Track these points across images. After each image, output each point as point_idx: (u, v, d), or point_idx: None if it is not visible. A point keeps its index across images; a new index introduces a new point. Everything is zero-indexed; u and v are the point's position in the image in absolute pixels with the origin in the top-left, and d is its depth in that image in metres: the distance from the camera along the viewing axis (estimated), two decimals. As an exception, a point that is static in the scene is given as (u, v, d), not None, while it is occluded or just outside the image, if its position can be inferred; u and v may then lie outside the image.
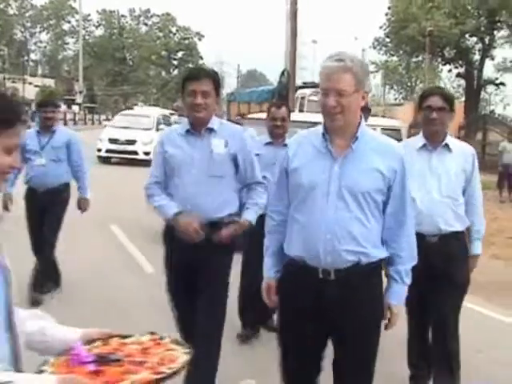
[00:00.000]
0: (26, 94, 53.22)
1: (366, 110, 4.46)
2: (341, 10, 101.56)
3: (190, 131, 3.45)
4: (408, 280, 2.70)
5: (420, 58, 34.03)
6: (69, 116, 40.27)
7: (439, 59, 33.84)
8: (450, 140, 3.54)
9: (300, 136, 2.80)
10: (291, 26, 11.89)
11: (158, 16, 64.33)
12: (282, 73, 17.68)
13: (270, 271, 2.79)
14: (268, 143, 4.60)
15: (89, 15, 60.91)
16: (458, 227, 3.51)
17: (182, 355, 1.51)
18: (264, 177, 3.79)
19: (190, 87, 3.34)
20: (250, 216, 3.50)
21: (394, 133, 8.71)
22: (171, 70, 64.27)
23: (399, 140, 8.77)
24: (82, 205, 5.47)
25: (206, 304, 3.38)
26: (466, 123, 25.17)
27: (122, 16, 64.07)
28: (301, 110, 13.46)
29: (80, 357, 1.48)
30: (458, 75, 33.21)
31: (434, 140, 3.50)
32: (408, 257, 2.68)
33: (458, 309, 3.60)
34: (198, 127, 3.43)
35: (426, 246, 3.31)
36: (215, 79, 3.43)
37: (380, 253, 2.63)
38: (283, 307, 2.80)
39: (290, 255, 2.64)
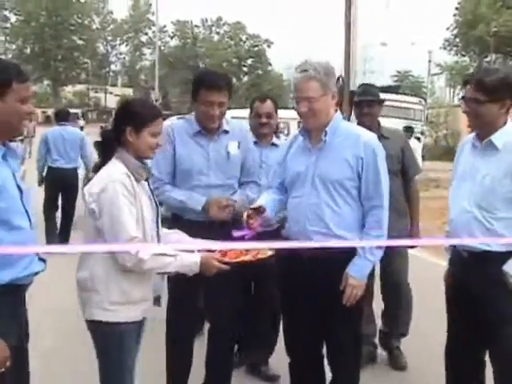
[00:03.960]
0: (108, 103, 55.99)
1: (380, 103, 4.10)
2: (409, 11, 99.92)
3: (201, 132, 3.29)
4: (372, 257, 2.81)
5: (488, 59, 33.52)
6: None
7: (510, 58, 33.21)
8: (500, 134, 2.76)
9: (296, 133, 3.11)
10: (346, 36, 12.76)
11: (229, 25, 66.11)
12: (338, 79, 18.50)
13: (260, 200, 3.02)
14: (254, 143, 3.81)
15: (164, 26, 63.49)
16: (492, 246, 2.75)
17: (267, 251, 2.72)
18: (255, 182, 3.56)
19: (208, 97, 3.16)
20: (235, 197, 3.34)
21: None
22: (241, 77, 65.92)
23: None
24: None
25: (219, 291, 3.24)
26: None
27: (196, 26, 66.37)
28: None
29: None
30: (530, 74, 32.49)
31: (477, 136, 2.86)
32: (375, 237, 2.79)
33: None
34: (211, 130, 3.29)
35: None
36: (230, 85, 3.29)
37: (356, 236, 2.81)
38: (279, 285, 3.13)
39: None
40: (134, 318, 2.51)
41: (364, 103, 3.99)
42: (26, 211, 2.24)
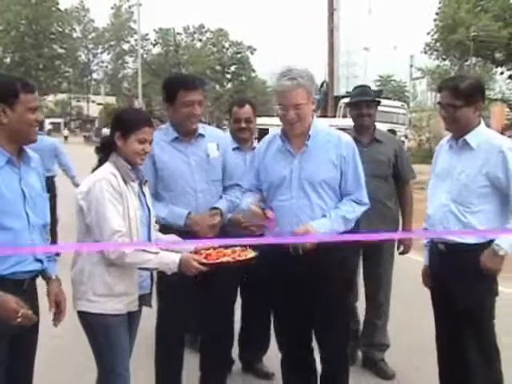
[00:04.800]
0: (91, 112, 55.80)
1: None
2: (390, 16, 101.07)
3: (178, 138, 3.29)
4: (336, 225, 2.91)
5: (469, 62, 33.93)
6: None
7: (490, 62, 33.64)
8: (474, 134, 2.96)
9: (267, 138, 3.16)
10: (329, 42, 12.85)
11: (212, 32, 66.22)
12: (322, 84, 18.66)
13: (248, 200, 3.09)
14: (235, 149, 3.84)
15: (147, 34, 63.42)
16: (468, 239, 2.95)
17: (251, 252, 2.79)
18: (239, 185, 3.50)
19: (188, 97, 3.17)
20: (222, 205, 3.34)
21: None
22: (225, 84, 65.99)
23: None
24: None
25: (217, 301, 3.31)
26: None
27: (178, 33, 66.33)
28: (344, 116, 14.42)
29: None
30: (510, 77, 32.90)
31: (453, 136, 3.07)
32: (345, 212, 2.93)
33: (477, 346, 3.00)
34: (187, 134, 3.29)
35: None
36: (204, 85, 3.35)
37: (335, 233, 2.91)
38: (268, 283, 3.16)
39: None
40: (117, 311, 2.66)
41: (363, 104, 3.94)
42: (27, 214, 2.44)
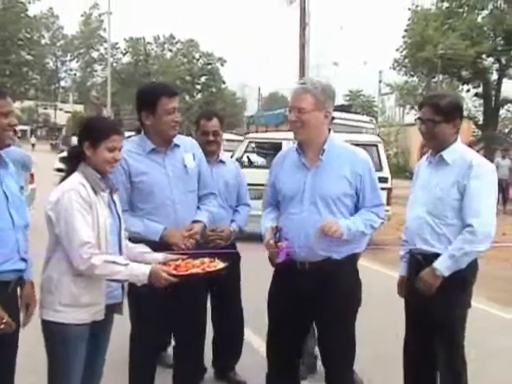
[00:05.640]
0: (58, 120, 54.97)
1: None
2: (360, 32, 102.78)
3: (155, 149, 3.23)
4: (364, 231, 2.96)
5: (436, 79, 34.53)
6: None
7: (456, 79, 34.29)
8: (450, 151, 3.10)
9: (283, 152, 3.22)
10: (300, 56, 12.88)
11: (182, 42, 66.08)
12: (293, 98, 18.66)
13: (267, 223, 3.07)
14: None
15: (117, 43, 62.86)
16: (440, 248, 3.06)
17: (220, 263, 2.79)
18: (213, 193, 3.52)
19: (171, 104, 3.14)
20: (203, 218, 3.33)
21: (371, 148, 9.71)
22: (195, 95, 65.79)
23: (376, 155, 9.42)
24: None
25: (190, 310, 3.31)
26: (485, 142, 25.54)
27: (148, 43, 65.98)
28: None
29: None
30: (476, 95, 33.58)
31: (431, 152, 3.22)
32: (369, 219, 2.97)
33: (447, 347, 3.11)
34: (164, 144, 3.24)
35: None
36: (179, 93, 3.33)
37: (352, 249, 3.00)
38: (271, 297, 3.14)
39: None
40: (81, 321, 2.65)
41: None
42: (11, 215, 2.56)
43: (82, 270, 2.57)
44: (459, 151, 3.12)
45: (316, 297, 2.94)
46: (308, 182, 2.96)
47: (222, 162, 4.01)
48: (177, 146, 3.28)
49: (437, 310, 3.04)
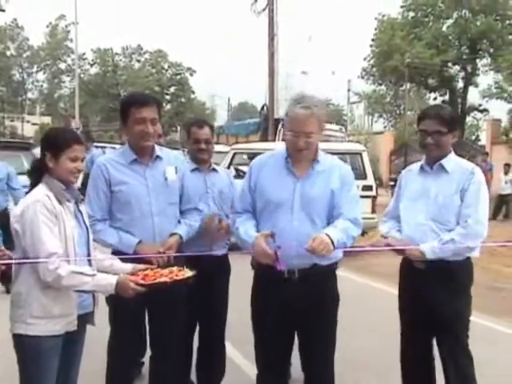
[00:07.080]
0: (25, 132, 53.99)
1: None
2: (329, 41, 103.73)
3: (136, 160, 3.24)
4: (346, 242, 2.93)
5: (403, 88, 35.01)
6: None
7: (423, 88, 34.83)
8: (448, 160, 3.31)
9: (263, 157, 3.17)
10: (269, 66, 12.84)
11: (151, 53, 65.65)
12: (262, 107, 18.76)
13: (251, 230, 3.00)
14: (194, 169, 3.88)
15: (84, 54, 62.12)
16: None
17: (188, 272, 2.79)
18: (197, 209, 3.55)
19: (139, 114, 3.11)
20: (182, 231, 3.32)
21: (355, 156, 9.72)
22: (164, 105, 65.47)
23: (360, 163, 9.50)
24: None
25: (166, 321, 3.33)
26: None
27: (116, 54, 65.38)
28: (283, 140, 14.33)
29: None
30: (443, 103, 34.18)
31: (428, 161, 3.39)
32: (347, 228, 2.95)
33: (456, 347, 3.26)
34: (145, 156, 3.25)
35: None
36: (159, 104, 3.28)
37: (336, 256, 3.03)
38: (256, 308, 3.15)
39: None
40: (53, 332, 2.65)
41: None
42: None
43: (49, 282, 2.57)
44: (454, 160, 3.35)
45: (304, 304, 2.97)
46: (298, 191, 2.98)
47: (214, 170, 4.01)
48: (159, 158, 3.30)
49: (442, 311, 3.19)
